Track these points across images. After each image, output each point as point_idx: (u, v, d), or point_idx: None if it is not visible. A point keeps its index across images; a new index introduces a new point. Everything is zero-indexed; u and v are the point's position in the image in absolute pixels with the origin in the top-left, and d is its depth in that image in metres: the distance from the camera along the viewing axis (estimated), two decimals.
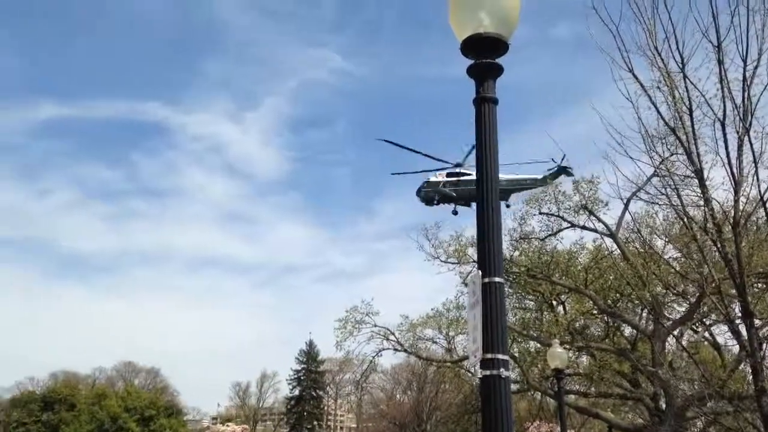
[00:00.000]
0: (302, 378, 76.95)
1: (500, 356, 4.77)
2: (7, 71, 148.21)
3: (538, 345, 27.69)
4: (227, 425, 72.26)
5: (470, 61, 5.26)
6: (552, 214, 26.57)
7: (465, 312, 31.73)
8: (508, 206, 30.95)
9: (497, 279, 4.97)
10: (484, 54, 5.16)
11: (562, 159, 32.29)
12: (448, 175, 35.97)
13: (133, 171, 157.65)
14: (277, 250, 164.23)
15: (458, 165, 35.46)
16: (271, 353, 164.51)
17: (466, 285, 30.98)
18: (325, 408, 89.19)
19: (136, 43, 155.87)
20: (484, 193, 5.06)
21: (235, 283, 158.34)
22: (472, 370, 33.57)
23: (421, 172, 36.33)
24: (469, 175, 33.74)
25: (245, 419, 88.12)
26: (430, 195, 36.43)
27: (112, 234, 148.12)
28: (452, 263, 31.23)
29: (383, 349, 34.73)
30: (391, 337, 34.39)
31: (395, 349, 35.10)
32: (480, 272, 5.01)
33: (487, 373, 4.71)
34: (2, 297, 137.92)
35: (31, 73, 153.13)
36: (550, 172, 33.11)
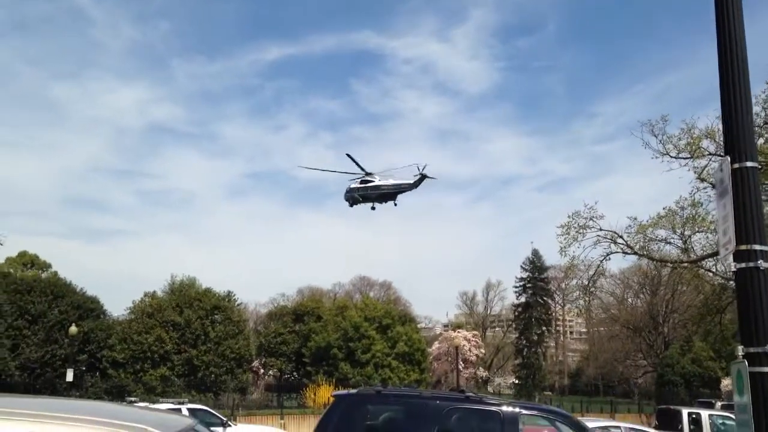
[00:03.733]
0: (528, 285, 77.32)
1: (757, 247, 4.30)
2: (235, 19, 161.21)
3: None
4: (458, 332, 75.33)
5: None
6: None
7: (701, 210, 29.43)
8: (395, 204, 44.87)
9: (749, 163, 4.44)
10: None
11: (423, 168, 43.54)
12: (361, 182, 45.06)
13: (353, 99, 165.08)
14: (493, 163, 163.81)
15: (368, 174, 45.09)
16: (494, 263, 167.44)
17: (702, 180, 28.80)
18: (553, 314, 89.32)
19: None
20: (730, 65, 4.45)
21: (454, 198, 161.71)
22: (714, 269, 31.32)
23: (332, 171, 49.33)
24: (373, 182, 44.54)
25: (474, 326, 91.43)
26: (347, 197, 46.02)
27: (338, 160, 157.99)
28: (684, 158, 29.01)
29: (611, 253, 33.64)
30: (619, 241, 33.13)
31: (624, 252, 33.79)
32: (728, 158, 4.50)
33: (743, 265, 4.29)
34: (254, 224, 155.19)
35: (255, 18, 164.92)
36: (416, 178, 43.47)
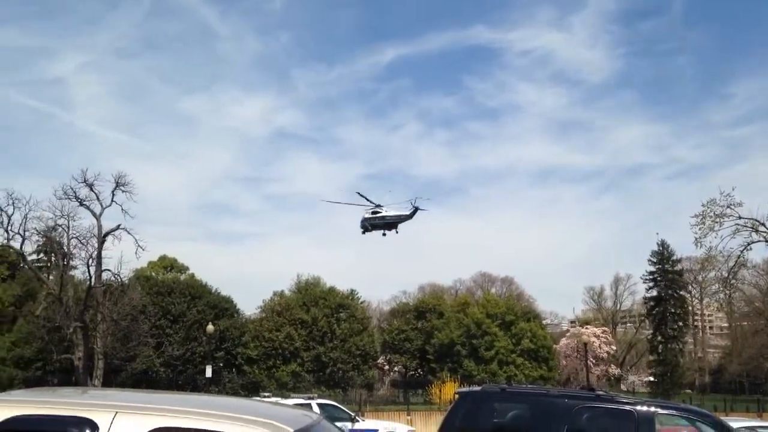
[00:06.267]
0: (658, 279, 73.36)
1: None
2: (352, 24, 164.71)
3: None
4: (586, 328, 72.92)
5: None
6: None
7: None
8: (397, 232, 52.82)
9: None
10: None
11: (415, 201, 51.67)
12: (372, 212, 52.59)
13: (468, 95, 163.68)
14: (618, 153, 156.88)
15: (378, 206, 52.65)
16: (622, 257, 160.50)
17: None
18: (690, 308, 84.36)
19: None
20: None
21: (577, 191, 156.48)
22: None
23: (347, 204, 54.94)
24: (380, 212, 52.24)
25: (603, 322, 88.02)
26: (362, 225, 53.40)
27: (454, 157, 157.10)
28: None
29: (753, 242, 31.52)
30: (761, 229, 30.94)
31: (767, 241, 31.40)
32: None
33: None
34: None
35: (371, 22, 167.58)
36: (411, 210, 51.46)
